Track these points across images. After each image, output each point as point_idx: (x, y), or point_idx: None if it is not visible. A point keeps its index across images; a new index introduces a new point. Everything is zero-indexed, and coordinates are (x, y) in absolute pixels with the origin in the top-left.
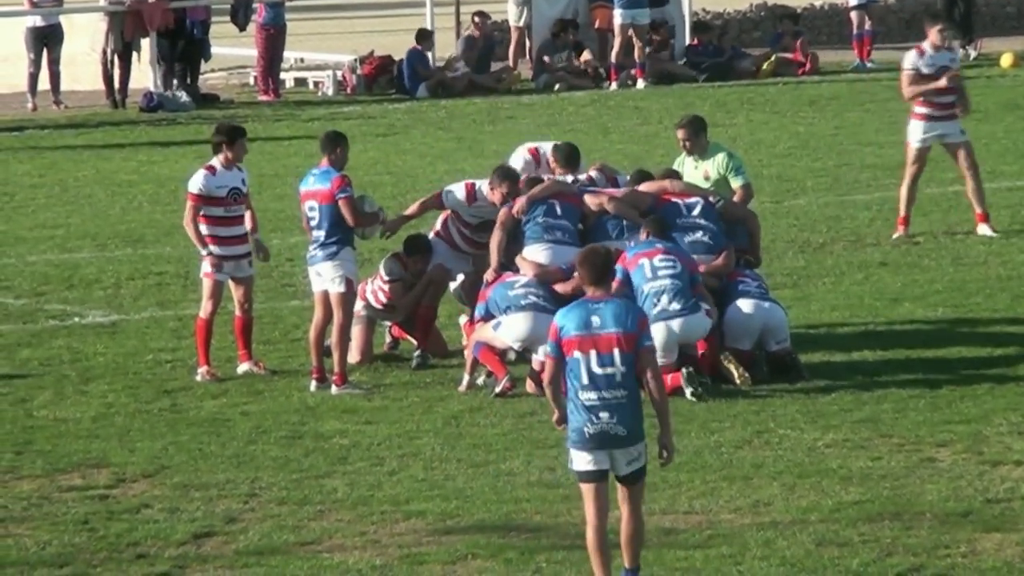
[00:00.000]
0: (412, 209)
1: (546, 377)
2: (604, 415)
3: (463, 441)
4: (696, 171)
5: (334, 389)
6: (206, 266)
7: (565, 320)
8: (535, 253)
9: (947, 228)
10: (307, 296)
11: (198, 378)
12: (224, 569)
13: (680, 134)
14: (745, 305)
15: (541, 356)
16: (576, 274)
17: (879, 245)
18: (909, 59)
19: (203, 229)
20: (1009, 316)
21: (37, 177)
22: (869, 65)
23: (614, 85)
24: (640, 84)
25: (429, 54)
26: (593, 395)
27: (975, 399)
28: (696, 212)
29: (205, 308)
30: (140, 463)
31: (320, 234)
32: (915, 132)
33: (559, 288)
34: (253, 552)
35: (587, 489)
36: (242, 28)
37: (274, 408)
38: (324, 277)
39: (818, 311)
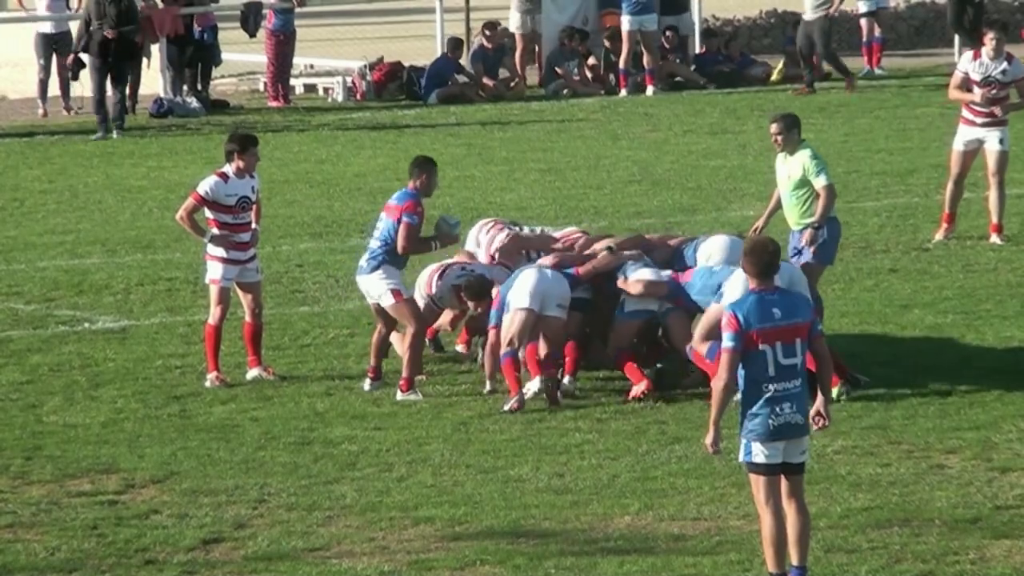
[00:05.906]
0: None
1: (724, 372)
2: (786, 406)
3: (472, 447)
4: (783, 166)
5: (399, 395)
6: (212, 272)
7: (746, 313)
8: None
9: (957, 234)
10: (316, 302)
11: (207, 384)
12: (233, 575)
13: (773, 128)
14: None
15: (555, 312)
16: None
17: (889, 252)
18: (962, 61)
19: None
20: (1019, 323)
21: (47, 183)
22: (879, 72)
23: (624, 91)
24: (650, 91)
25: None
26: (778, 386)
27: (984, 406)
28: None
29: (214, 314)
30: (149, 469)
31: (375, 244)
32: (958, 136)
33: (580, 271)
34: (262, 558)
35: (764, 482)
36: (252, 34)
37: (283, 414)
38: (371, 293)
39: (828, 317)
